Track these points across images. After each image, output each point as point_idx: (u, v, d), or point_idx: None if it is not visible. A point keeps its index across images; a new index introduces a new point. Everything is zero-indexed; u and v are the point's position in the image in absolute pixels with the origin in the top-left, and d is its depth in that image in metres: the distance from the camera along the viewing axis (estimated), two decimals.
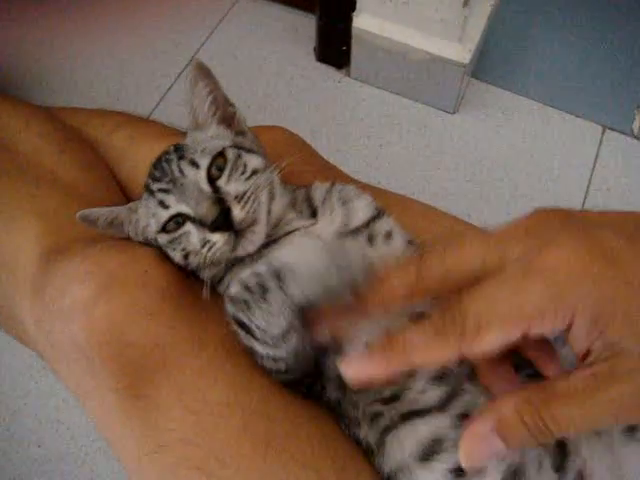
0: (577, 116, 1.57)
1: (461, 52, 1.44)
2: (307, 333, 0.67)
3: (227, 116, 0.91)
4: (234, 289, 0.66)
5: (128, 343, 0.76)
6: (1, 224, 0.94)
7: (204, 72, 0.87)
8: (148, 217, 0.84)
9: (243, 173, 0.81)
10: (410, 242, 0.84)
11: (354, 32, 1.49)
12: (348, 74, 1.62)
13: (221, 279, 0.83)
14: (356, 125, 1.57)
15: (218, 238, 0.76)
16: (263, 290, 0.63)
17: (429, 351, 0.53)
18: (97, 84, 1.64)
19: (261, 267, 0.64)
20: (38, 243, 0.89)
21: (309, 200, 0.88)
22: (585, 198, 1.47)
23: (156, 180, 0.83)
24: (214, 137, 0.87)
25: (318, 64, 1.66)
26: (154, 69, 1.66)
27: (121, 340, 0.76)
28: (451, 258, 0.56)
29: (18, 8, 1.43)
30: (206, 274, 0.81)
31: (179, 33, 1.70)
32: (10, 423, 1.24)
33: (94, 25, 1.62)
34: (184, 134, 1.28)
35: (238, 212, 0.76)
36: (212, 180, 0.80)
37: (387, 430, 0.71)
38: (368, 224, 0.84)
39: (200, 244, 0.78)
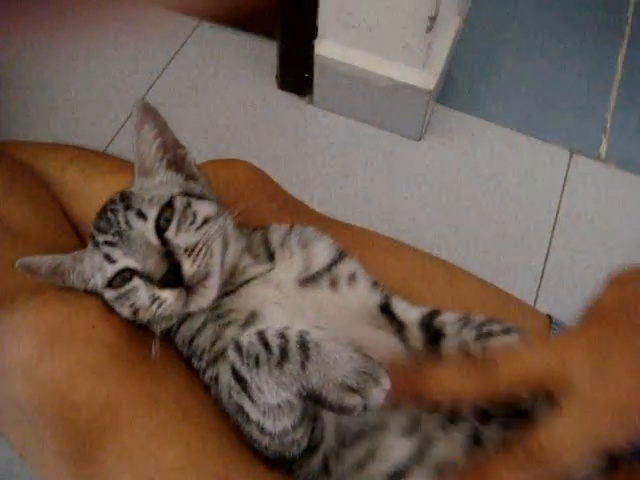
0: (544, 140, 1.55)
1: (426, 78, 1.41)
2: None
3: (177, 159, 0.85)
4: (248, 339, 0.60)
5: (73, 405, 0.70)
6: None
7: (149, 114, 0.81)
8: (93, 270, 0.78)
9: (193, 223, 0.75)
10: (375, 284, 0.79)
11: (316, 59, 1.45)
12: (311, 102, 1.59)
13: (177, 332, 0.77)
14: (320, 154, 1.53)
15: (168, 295, 0.70)
16: (283, 356, 0.58)
17: None
18: (52, 115, 1.58)
19: (291, 331, 0.59)
20: None
21: (266, 243, 0.82)
22: (555, 223, 1.45)
23: (101, 232, 0.77)
24: (162, 184, 0.81)
25: (280, 92, 1.62)
26: (111, 99, 1.60)
27: (65, 402, 0.70)
28: (517, 367, 0.59)
29: None
30: (158, 328, 0.76)
31: (137, 62, 1.66)
32: None
33: (48, 53, 1.58)
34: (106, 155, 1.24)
35: (189, 267, 0.71)
36: (161, 232, 0.74)
37: None
38: (330, 267, 0.79)
39: (149, 301, 0.72)
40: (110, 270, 0.75)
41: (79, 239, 1.01)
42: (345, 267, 0.79)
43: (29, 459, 0.77)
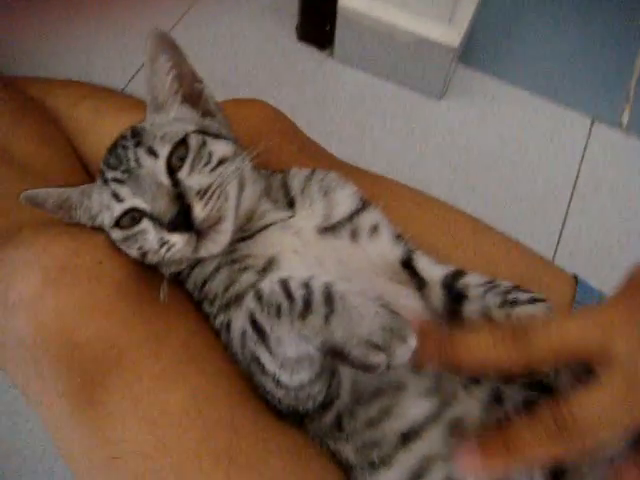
0: (566, 106, 1.52)
1: (451, 35, 1.38)
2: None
3: (193, 94, 0.81)
4: (270, 287, 0.57)
5: (78, 343, 0.68)
6: None
7: (166, 43, 0.76)
8: (102, 207, 0.75)
9: (207, 164, 0.71)
10: (398, 237, 0.76)
11: (339, 11, 1.42)
12: (331, 55, 1.56)
13: (188, 275, 0.75)
14: (338, 109, 1.50)
15: (177, 239, 0.67)
16: (306, 307, 0.54)
17: (539, 451, 0.55)
18: (66, 59, 1.55)
19: (316, 281, 0.56)
20: None
21: (286, 188, 0.79)
22: (573, 190, 1.43)
23: (110, 168, 0.73)
24: (177, 120, 0.77)
25: (300, 44, 1.59)
26: (127, 45, 1.57)
27: (70, 340, 0.68)
28: (554, 337, 0.56)
29: None
30: (167, 271, 0.73)
31: (155, 9, 1.62)
32: None
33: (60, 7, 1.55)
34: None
35: (200, 211, 0.67)
36: (172, 171, 0.71)
37: (378, 464, 0.65)
38: (352, 217, 0.76)
39: (158, 244, 0.69)
40: (118, 209, 0.72)
41: (89, 177, 0.98)
42: (368, 218, 0.76)
43: (31, 398, 0.75)
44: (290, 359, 0.57)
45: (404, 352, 0.53)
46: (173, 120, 0.77)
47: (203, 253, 0.69)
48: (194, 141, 0.72)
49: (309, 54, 1.57)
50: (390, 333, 0.53)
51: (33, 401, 0.75)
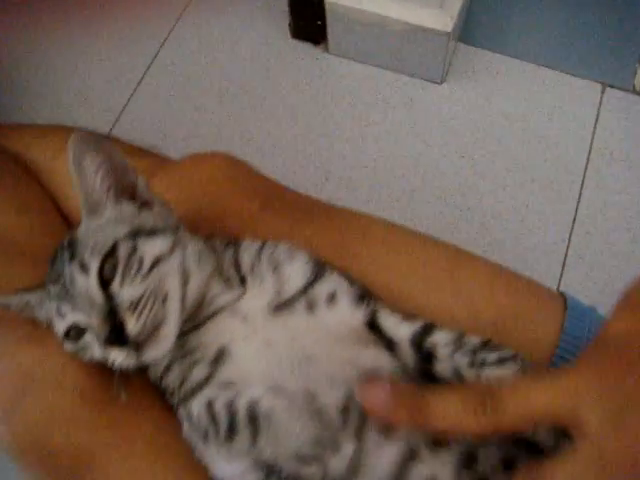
0: (574, 75, 1.47)
1: (443, 20, 1.33)
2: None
3: (128, 185, 0.77)
4: (197, 409, 0.59)
5: (51, 451, 0.70)
6: None
7: (89, 142, 0.73)
8: (51, 319, 0.74)
9: (139, 270, 0.69)
10: (361, 298, 0.73)
11: (327, 6, 1.39)
12: (326, 50, 1.52)
13: (147, 367, 0.74)
14: (338, 104, 1.48)
15: (116, 355, 0.66)
16: (231, 430, 0.56)
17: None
18: (62, 87, 1.55)
19: (241, 400, 0.57)
20: None
21: (237, 265, 0.76)
22: (587, 164, 1.38)
23: (51, 282, 0.72)
24: (110, 222, 0.74)
25: (294, 41, 1.56)
26: (122, 63, 1.56)
27: (45, 448, 0.70)
28: (522, 403, 0.53)
29: None
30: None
31: (144, 23, 1.60)
32: None
33: (50, 19, 1.54)
34: (142, 151, 1.18)
35: (133, 325, 0.65)
36: (106, 284, 0.68)
37: None
38: (306, 289, 0.73)
39: (104, 358, 0.68)
40: (62, 325, 0.71)
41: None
42: (324, 286, 0.73)
43: None
44: (228, 473, 0.59)
45: (339, 461, 0.54)
46: (106, 223, 0.74)
47: (147, 360, 0.68)
48: (123, 249, 0.70)
49: (304, 51, 1.54)
50: (321, 445, 0.54)
51: None
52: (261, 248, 0.76)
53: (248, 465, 0.55)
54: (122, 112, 1.49)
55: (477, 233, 1.34)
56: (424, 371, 0.69)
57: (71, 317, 0.70)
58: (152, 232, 0.73)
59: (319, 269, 0.74)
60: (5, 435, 0.71)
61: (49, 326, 0.76)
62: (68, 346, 0.72)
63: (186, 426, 0.65)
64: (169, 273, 0.69)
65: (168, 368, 0.71)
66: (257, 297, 0.72)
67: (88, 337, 0.70)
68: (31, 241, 0.90)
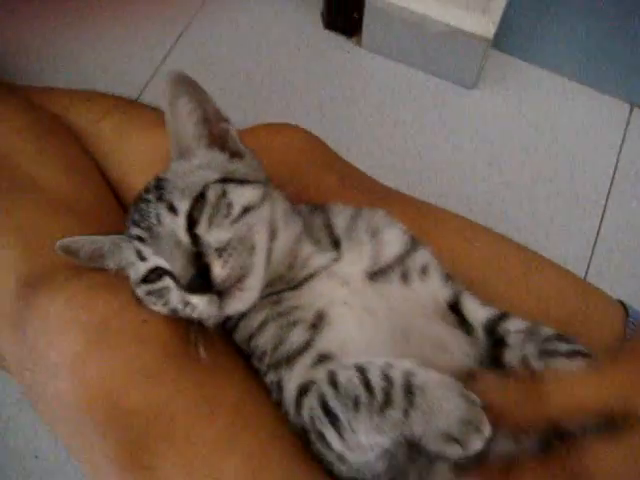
0: (603, 92, 1.47)
1: (485, 25, 1.32)
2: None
3: (220, 134, 0.76)
4: (347, 375, 0.56)
5: (127, 410, 0.66)
6: None
7: (185, 85, 0.72)
8: (128, 263, 0.72)
9: (227, 215, 0.67)
10: (447, 277, 0.74)
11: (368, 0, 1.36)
12: (359, 44, 1.50)
13: (235, 327, 0.72)
14: (368, 100, 1.45)
15: (198, 301, 0.65)
16: (386, 401, 0.53)
17: None
18: (85, 58, 1.50)
19: (396, 372, 0.55)
20: (14, 269, 0.77)
21: (329, 227, 0.75)
22: (612, 182, 1.39)
23: (134, 224, 0.70)
24: (201, 167, 0.73)
25: (326, 32, 1.53)
26: (146, 40, 1.52)
27: (119, 406, 0.66)
28: (570, 397, 0.55)
29: None
30: (207, 323, 0.69)
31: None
32: (5, 432, 1.16)
33: None
34: None
35: (219, 270, 0.63)
36: (193, 227, 0.67)
37: None
38: (402, 259, 0.73)
39: (181, 304, 0.67)
40: (142, 268, 0.69)
41: (118, 202, 0.95)
42: (418, 258, 0.73)
43: (76, 455, 0.74)
44: (361, 446, 0.56)
45: (478, 442, 0.53)
46: (197, 168, 0.73)
47: (229, 312, 0.67)
48: (212, 193, 0.68)
49: (336, 42, 1.51)
50: (467, 425, 0.53)
51: (78, 459, 0.74)
52: (357, 212, 0.76)
53: (393, 437, 0.54)
54: (144, 89, 1.45)
55: None
56: (494, 357, 0.69)
57: (154, 260, 0.68)
58: (242, 181, 0.71)
59: (414, 240, 0.74)
60: (73, 387, 0.67)
61: (119, 274, 0.74)
62: (142, 288, 0.70)
63: (317, 393, 0.61)
64: (257, 224, 0.67)
65: (262, 326, 0.69)
66: (355, 262, 0.72)
67: (167, 281, 0.68)
68: (78, 198, 0.88)
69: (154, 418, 0.66)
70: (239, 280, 0.65)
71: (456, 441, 0.52)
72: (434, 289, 0.73)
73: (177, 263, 0.64)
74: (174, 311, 0.69)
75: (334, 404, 0.56)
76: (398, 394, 0.53)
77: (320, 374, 0.59)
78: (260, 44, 1.52)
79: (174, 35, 1.51)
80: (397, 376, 0.54)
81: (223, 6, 1.55)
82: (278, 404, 0.69)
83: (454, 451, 0.52)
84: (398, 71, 1.48)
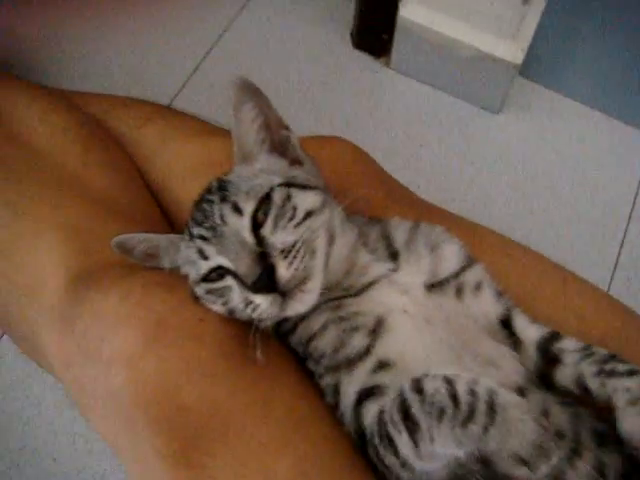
0: (626, 122, 1.49)
1: (514, 51, 1.34)
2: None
3: (280, 142, 0.79)
4: (434, 385, 0.57)
5: (183, 406, 0.67)
6: (22, 239, 0.84)
7: (250, 92, 0.75)
8: (187, 262, 0.74)
9: (292, 218, 0.69)
10: (499, 294, 0.76)
11: (399, 21, 1.39)
12: (387, 64, 1.52)
13: (292, 329, 0.73)
14: (394, 120, 1.47)
15: (261, 300, 0.66)
16: (470, 415, 0.54)
17: None
18: (115, 65, 1.52)
19: (481, 388, 0.56)
20: (64, 265, 0.79)
21: (387, 239, 0.77)
22: (632, 211, 1.40)
23: (196, 224, 0.72)
24: (263, 171, 0.75)
25: (355, 51, 1.55)
26: (179, 48, 1.54)
27: (174, 402, 0.67)
28: None
29: None
30: (263, 325, 0.70)
31: (203, 11, 1.58)
32: (23, 434, 1.16)
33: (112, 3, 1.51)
34: (223, 131, 1.17)
35: (284, 271, 0.65)
36: (257, 228, 0.69)
37: None
38: (458, 274, 0.75)
39: (243, 303, 0.68)
40: (204, 267, 0.70)
41: (160, 208, 0.97)
42: (472, 274, 0.76)
43: (121, 453, 0.74)
44: (434, 455, 0.57)
45: (545, 468, 0.54)
46: (259, 171, 0.75)
47: (290, 313, 0.68)
48: (278, 196, 0.70)
49: (364, 62, 1.54)
50: (539, 450, 0.54)
51: (123, 457, 0.74)
52: (416, 227, 0.78)
53: (468, 451, 0.55)
54: (175, 97, 1.47)
55: None
56: (543, 376, 0.70)
57: (216, 259, 0.69)
58: (304, 186, 0.74)
59: (470, 257, 0.77)
60: (129, 382, 0.67)
61: (173, 273, 0.76)
62: (202, 287, 0.71)
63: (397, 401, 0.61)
64: (318, 228, 0.69)
65: (323, 329, 0.70)
66: (413, 273, 0.74)
67: (229, 280, 0.69)
68: (123, 200, 0.89)
69: (209, 416, 0.67)
70: (302, 282, 0.66)
71: (525, 463, 0.54)
72: (486, 305, 0.75)
73: (242, 262, 0.66)
74: (231, 311, 0.70)
75: (417, 412, 0.56)
76: (481, 410, 0.54)
77: (384, 379, 0.61)
78: (289, 61, 1.54)
79: (205, 48, 1.53)
80: (482, 392, 0.55)
81: (253, 22, 1.57)
82: (331, 407, 0.70)
83: (521, 473, 0.54)
84: (425, 93, 1.50)
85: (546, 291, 0.85)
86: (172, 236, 0.76)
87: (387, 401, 0.61)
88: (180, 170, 0.94)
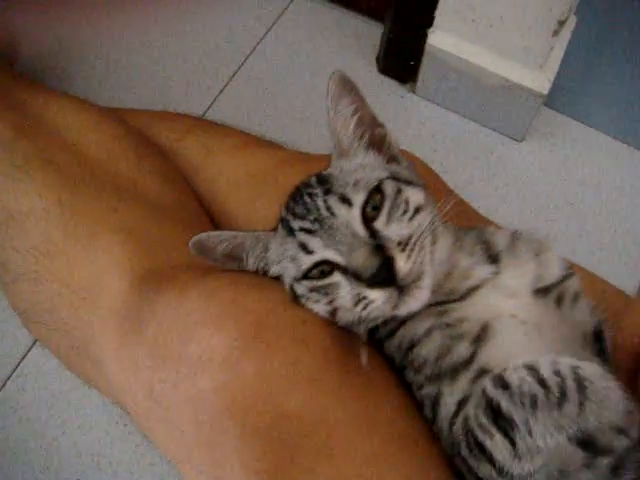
0: None
1: (541, 81, 1.36)
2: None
3: (376, 139, 0.78)
4: (517, 375, 0.55)
5: (285, 414, 0.61)
6: (78, 241, 0.81)
7: (348, 87, 0.74)
8: (281, 258, 0.70)
9: (405, 212, 0.67)
10: (595, 307, 0.73)
11: (427, 49, 1.40)
12: (413, 90, 1.53)
13: (391, 335, 0.69)
14: (418, 146, 1.47)
15: (377, 295, 0.62)
16: (562, 396, 0.53)
17: None
18: (143, 82, 1.53)
19: (564, 368, 0.54)
20: (126, 267, 0.76)
21: (487, 244, 0.74)
22: None
23: (297, 217, 0.69)
24: (363, 166, 0.72)
25: (380, 76, 1.56)
26: (205, 68, 1.55)
27: (276, 409, 0.61)
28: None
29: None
30: (362, 328, 0.67)
31: (232, 32, 1.60)
32: (47, 453, 1.15)
33: (140, 17, 1.52)
34: (266, 142, 1.16)
35: (403, 264, 0.62)
36: (366, 221, 0.66)
37: None
38: (561, 282, 0.72)
39: (352, 301, 0.64)
40: (307, 261, 0.67)
41: (210, 217, 0.96)
42: (572, 284, 0.73)
43: (191, 470, 0.67)
44: (536, 449, 0.54)
45: (637, 433, 0.54)
46: (359, 166, 0.73)
47: (402, 311, 0.65)
48: (389, 188, 0.68)
49: (390, 87, 1.55)
50: (631, 415, 0.54)
51: (189, 469, 0.68)
52: (517, 234, 0.76)
53: (570, 434, 0.53)
54: (203, 116, 1.48)
55: None
56: (634, 389, 0.69)
57: (322, 253, 0.66)
58: (409, 182, 0.72)
59: (570, 266, 0.74)
60: (224, 386, 0.62)
61: (258, 273, 0.72)
62: (303, 285, 0.67)
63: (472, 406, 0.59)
64: (427, 226, 0.66)
65: (427, 335, 0.67)
66: (519, 276, 0.71)
67: (337, 276, 0.66)
68: (177, 207, 0.88)
69: (313, 427, 0.62)
70: (418, 277, 0.64)
71: (622, 432, 0.53)
72: (582, 316, 0.72)
73: (356, 255, 0.63)
74: (334, 311, 0.67)
75: (508, 406, 0.55)
76: (571, 387, 0.53)
77: (478, 387, 0.58)
78: (315, 82, 1.55)
79: (231, 70, 1.54)
80: (566, 370, 0.54)
81: (280, 45, 1.59)
82: (429, 422, 0.67)
83: (621, 443, 0.54)
84: (450, 119, 1.51)
85: (609, 310, 0.84)
86: (259, 233, 0.73)
87: (468, 408, 0.59)
88: (224, 181, 0.94)
